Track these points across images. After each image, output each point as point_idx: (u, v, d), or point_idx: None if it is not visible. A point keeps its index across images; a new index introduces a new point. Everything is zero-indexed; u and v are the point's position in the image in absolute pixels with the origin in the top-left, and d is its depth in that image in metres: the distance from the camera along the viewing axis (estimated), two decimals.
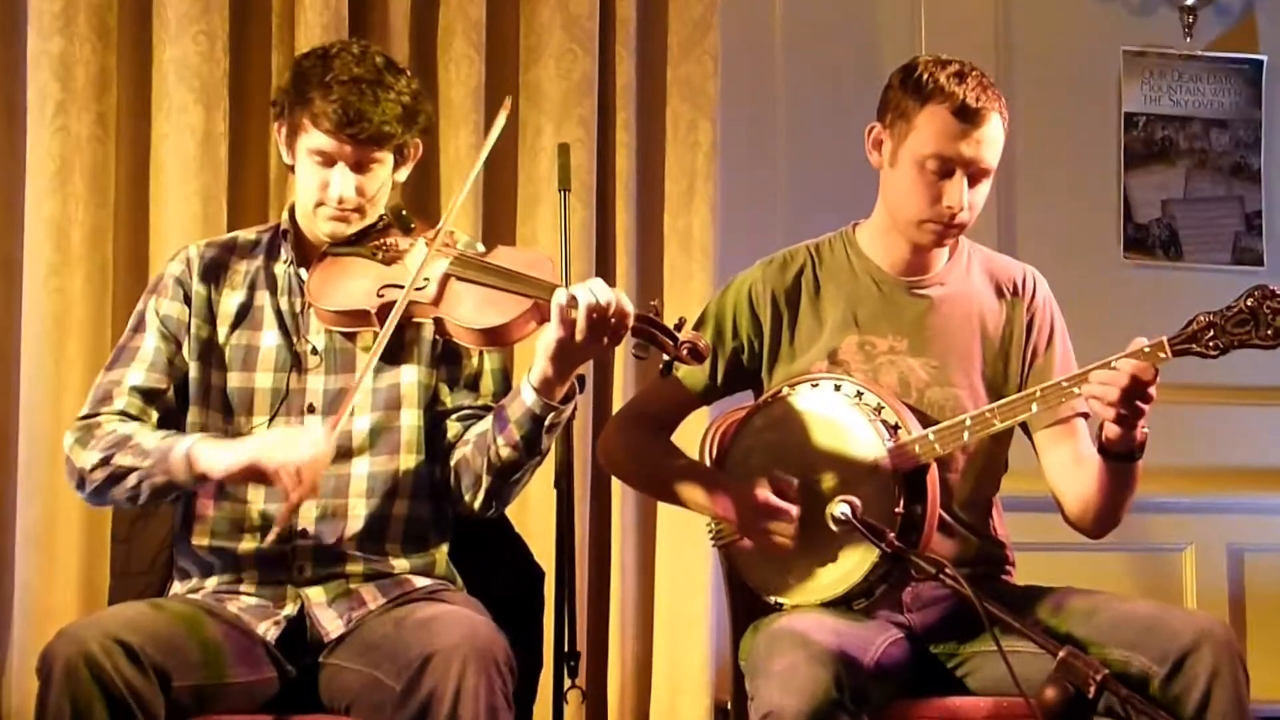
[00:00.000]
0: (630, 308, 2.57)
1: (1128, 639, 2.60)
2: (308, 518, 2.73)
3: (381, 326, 2.69)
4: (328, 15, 3.75)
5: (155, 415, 2.77)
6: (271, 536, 2.62)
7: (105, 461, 2.68)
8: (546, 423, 2.65)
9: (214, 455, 2.63)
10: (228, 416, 2.79)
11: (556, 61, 3.97)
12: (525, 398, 2.64)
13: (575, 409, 2.75)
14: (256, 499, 2.75)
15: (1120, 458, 2.69)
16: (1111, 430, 2.66)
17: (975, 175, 2.80)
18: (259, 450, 2.60)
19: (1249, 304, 2.54)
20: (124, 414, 2.75)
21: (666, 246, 4.09)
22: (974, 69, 2.81)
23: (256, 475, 2.61)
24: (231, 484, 2.70)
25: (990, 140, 2.79)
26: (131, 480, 2.67)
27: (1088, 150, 4.60)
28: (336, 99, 2.70)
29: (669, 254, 4.08)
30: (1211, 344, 2.55)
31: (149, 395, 2.77)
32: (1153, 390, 2.58)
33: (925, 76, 2.80)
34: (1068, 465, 2.84)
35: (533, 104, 3.99)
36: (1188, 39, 4.65)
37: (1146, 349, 2.57)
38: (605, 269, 4.02)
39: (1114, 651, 2.59)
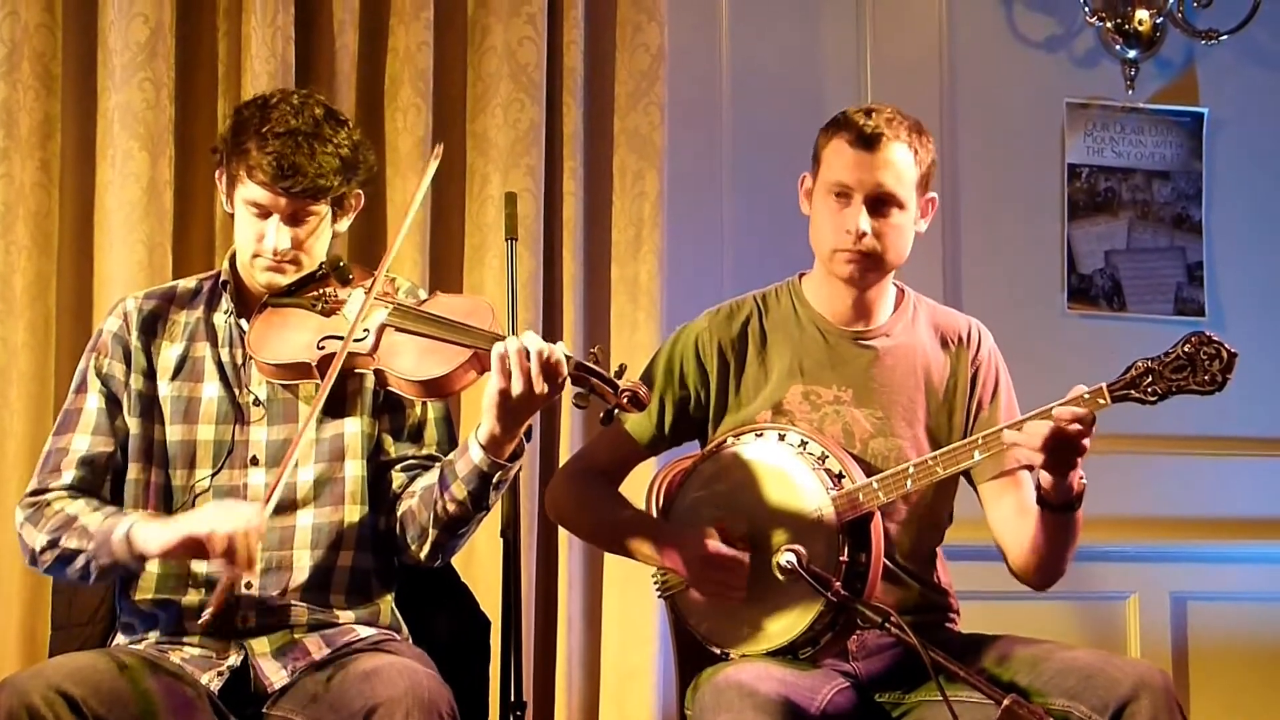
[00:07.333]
0: (565, 354, 2.56)
1: (1069, 688, 2.61)
2: (252, 570, 2.71)
3: (322, 378, 2.68)
4: (274, 63, 3.73)
5: (107, 481, 2.77)
6: (206, 615, 2.59)
7: (53, 544, 2.69)
8: (494, 480, 2.64)
9: (149, 535, 2.62)
10: (170, 470, 2.77)
11: (504, 111, 3.96)
12: (473, 455, 2.63)
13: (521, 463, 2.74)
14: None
15: (1058, 508, 2.70)
16: (1044, 479, 2.67)
17: (880, 201, 2.81)
18: (193, 524, 2.58)
19: (1186, 350, 2.57)
20: (71, 488, 2.74)
21: (614, 295, 4.08)
22: (894, 112, 2.85)
23: (193, 548, 2.58)
24: (170, 559, 2.67)
25: (890, 166, 2.80)
26: (80, 562, 2.67)
27: (1031, 201, 4.62)
28: (272, 152, 2.69)
29: (616, 302, 4.07)
30: (1150, 389, 2.58)
31: (96, 463, 2.76)
32: (1085, 441, 2.59)
33: (838, 116, 2.87)
34: (1011, 517, 2.85)
35: (480, 153, 3.98)
36: (1130, 91, 4.69)
37: (1086, 395, 2.59)
38: (552, 317, 4.01)
39: (1056, 700, 2.61)
